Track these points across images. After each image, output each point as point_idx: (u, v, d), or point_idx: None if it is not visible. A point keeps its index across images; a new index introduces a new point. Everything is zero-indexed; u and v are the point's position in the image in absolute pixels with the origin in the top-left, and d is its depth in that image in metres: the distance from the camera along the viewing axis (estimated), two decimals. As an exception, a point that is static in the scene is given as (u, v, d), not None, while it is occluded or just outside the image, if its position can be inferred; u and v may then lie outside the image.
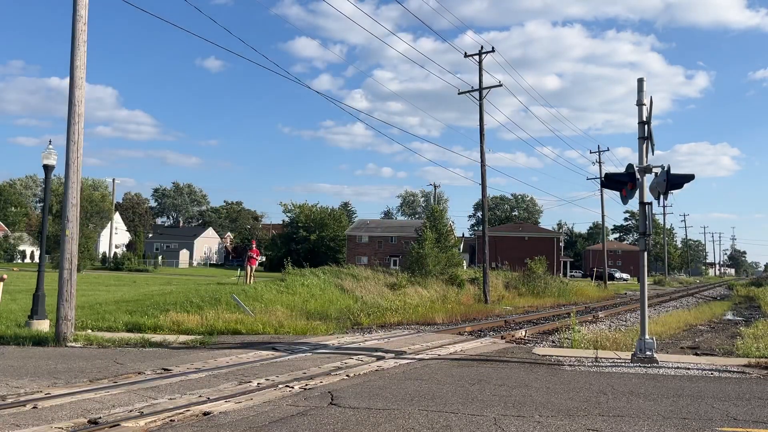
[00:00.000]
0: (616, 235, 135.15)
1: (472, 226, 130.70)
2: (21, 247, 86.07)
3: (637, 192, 12.04)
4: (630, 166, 12.15)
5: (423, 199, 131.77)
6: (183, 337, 13.90)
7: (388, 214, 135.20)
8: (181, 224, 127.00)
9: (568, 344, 14.23)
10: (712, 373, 10.64)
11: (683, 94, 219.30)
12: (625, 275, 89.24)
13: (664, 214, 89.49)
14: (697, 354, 13.82)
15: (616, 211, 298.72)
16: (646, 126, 12.31)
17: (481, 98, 30.16)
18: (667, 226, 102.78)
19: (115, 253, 74.15)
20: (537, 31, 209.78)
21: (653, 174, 12.05)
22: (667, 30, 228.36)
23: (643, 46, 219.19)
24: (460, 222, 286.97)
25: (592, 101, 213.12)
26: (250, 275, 26.07)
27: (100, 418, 6.88)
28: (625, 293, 47.89)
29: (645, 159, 12.25)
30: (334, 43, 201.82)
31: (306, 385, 8.93)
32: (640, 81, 12.61)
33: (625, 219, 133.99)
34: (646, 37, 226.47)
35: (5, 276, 16.08)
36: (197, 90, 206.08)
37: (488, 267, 30.21)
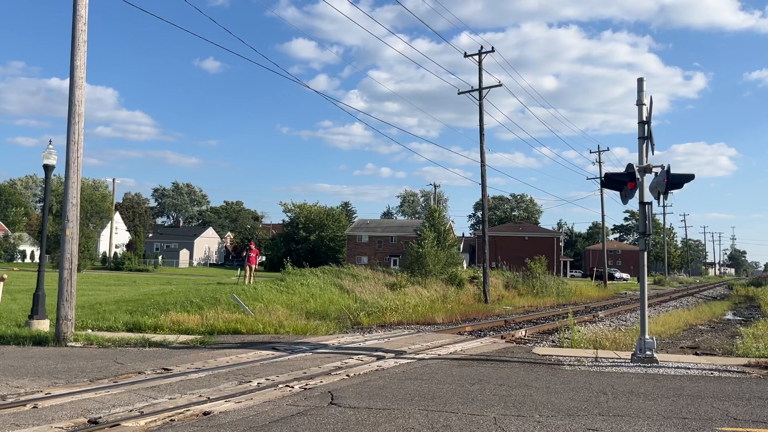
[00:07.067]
0: (616, 235, 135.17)
1: (472, 225, 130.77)
2: (21, 247, 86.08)
3: (637, 192, 12.04)
4: (630, 166, 12.14)
5: (423, 198, 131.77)
6: (183, 337, 13.90)
7: (387, 214, 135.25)
8: (181, 224, 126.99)
9: (568, 344, 14.22)
10: (712, 373, 10.63)
11: (681, 95, 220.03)
12: (625, 275, 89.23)
13: (664, 214, 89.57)
14: (697, 354, 13.82)
15: (616, 211, 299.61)
16: (646, 126, 12.31)
17: (480, 98, 30.16)
18: (667, 226, 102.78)
19: (115, 253, 74.14)
20: (533, 32, 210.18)
21: (653, 174, 12.05)
22: (663, 31, 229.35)
23: (640, 47, 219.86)
24: (460, 222, 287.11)
25: (590, 102, 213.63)
26: (250, 275, 26.08)
27: (100, 417, 6.88)
28: (625, 293, 47.88)
29: (645, 159, 12.25)
30: (330, 45, 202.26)
31: (306, 384, 8.93)
32: (640, 81, 12.61)
33: (625, 219, 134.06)
34: (643, 38, 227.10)
35: (5, 276, 16.08)
36: (197, 90, 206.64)
37: (488, 267, 30.22)
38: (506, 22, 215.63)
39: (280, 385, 8.81)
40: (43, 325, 13.94)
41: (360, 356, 11.80)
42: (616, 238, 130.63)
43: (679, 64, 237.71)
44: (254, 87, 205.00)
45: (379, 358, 11.69)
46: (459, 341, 14.71)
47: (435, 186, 79.40)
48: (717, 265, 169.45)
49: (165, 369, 9.96)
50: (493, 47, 30.19)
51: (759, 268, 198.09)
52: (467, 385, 9.13)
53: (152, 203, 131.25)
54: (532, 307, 28.88)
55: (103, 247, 79.43)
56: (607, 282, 57.50)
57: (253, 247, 27.91)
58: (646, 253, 12.52)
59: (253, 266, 26.95)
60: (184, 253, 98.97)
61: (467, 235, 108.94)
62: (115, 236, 79.29)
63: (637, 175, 11.94)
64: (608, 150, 62.18)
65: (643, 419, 7.23)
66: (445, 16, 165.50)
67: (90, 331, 14.21)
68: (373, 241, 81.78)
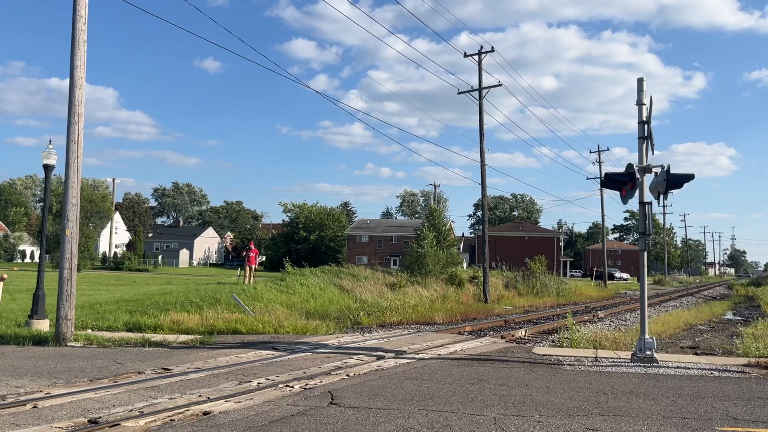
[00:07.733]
0: (616, 235, 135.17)
1: (472, 225, 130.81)
2: (21, 247, 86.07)
3: (637, 192, 12.04)
4: (630, 166, 12.15)
5: (423, 198, 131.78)
6: (183, 337, 13.90)
7: (387, 214, 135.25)
8: (181, 224, 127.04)
9: (568, 344, 14.23)
10: (711, 373, 10.64)
11: (681, 95, 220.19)
12: (625, 275, 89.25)
13: (664, 213, 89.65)
14: (696, 354, 13.82)
15: (616, 210, 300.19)
16: (646, 125, 12.31)
17: (480, 98, 30.16)
18: (667, 225, 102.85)
19: (115, 253, 74.13)
20: (532, 32, 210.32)
21: (653, 174, 12.05)
22: (662, 32, 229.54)
23: (639, 48, 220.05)
24: (460, 222, 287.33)
25: (590, 102, 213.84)
26: (250, 275, 26.08)
27: (100, 417, 6.88)
28: (625, 293, 47.87)
29: (645, 159, 12.25)
30: (330, 45, 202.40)
31: (306, 384, 8.93)
32: (640, 81, 12.61)
33: (625, 219, 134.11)
34: (642, 38, 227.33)
35: (5, 276, 16.08)
36: (197, 90, 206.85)
37: (488, 266, 30.21)
38: (506, 22, 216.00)
39: (280, 385, 8.81)
40: (43, 325, 13.94)
41: (360, 356, 11.80)
42: (616, 238, 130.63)
43: (679, 64, 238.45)
44: (254, 87, 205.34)
45: (379, 357, 11.69)
46: (459, 341, 14.71)
47: (435, 186, 79.53)
48: (717, 265, 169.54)
49: (165, 369, 9.96)
50: (492, 47, 30.20)
51: (759, 268, 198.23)
52: (467, 384, 9.13)
53: (152, 203, 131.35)
54: (532, 307, 28.88)
55: (103, 247, 79.41)
56: (607, 282, 57.48)
57: (252, 246, 27.92)
58: (646, 253, 12.52)
59: (253, 266, 26.96)
60: (184, 253, 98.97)
61: (467, 235, 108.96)
62: (115, 236, 79.29)
63: (637, 175, 11.94)
64: (608, 150, 62.37)
65: (643, 419, 7.23)
66: (444, 16, 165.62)
67: (90, 331, 14.21)
68: (373, 241, 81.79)
